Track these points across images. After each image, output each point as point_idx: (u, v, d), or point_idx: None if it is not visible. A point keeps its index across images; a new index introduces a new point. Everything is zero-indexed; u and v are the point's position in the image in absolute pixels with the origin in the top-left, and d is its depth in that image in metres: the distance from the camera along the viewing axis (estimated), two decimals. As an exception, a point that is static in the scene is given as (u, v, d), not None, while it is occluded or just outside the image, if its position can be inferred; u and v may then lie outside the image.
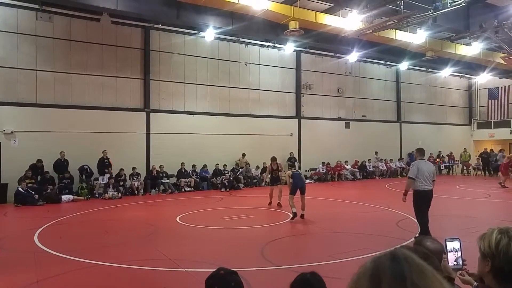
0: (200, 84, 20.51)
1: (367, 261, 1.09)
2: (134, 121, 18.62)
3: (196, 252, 7.78)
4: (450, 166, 28.60)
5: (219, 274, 2.02)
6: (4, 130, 15.93)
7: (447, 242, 2.39)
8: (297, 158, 22.61)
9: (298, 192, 11.22)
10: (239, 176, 19.93)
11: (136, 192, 17.22)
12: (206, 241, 8.85)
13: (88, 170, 16.98)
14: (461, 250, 2.37)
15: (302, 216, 11.01)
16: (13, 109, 16.16)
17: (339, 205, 14.22)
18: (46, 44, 16.93)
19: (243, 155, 20.87)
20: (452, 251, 2.36)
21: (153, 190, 17.70)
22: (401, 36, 18.57)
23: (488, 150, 27.35)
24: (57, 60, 17.14)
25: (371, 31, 16.55)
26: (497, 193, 16.82)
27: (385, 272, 1.02)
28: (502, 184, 18.34)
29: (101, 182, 16.64)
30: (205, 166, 19.61)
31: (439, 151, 28.46)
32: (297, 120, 23.52)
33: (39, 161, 15.94)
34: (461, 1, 14.39)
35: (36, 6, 16.28)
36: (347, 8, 16.08)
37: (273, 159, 13.78)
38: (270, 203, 13.56)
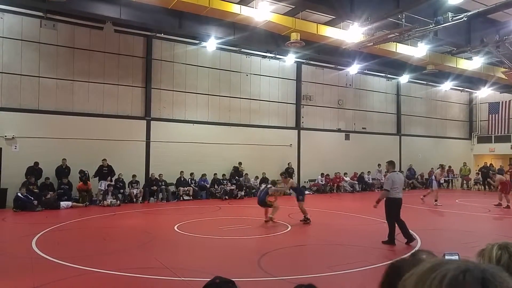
0: (201, 94, 20.60)
1: (438, 263, 0.90)
2: (134, 129, 18.65)
3: (193, 261, 7.76)
4: (450, 180, 28.55)
5: (215, 283, 2.02)
6: (6, 136, 15.97)
7: (446, 257, 2.38)
8: (294, 169, 22.54)
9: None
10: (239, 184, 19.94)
11: (134, 200, 17.20)
12: (203, 250, 8.83)
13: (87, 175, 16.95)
14: None
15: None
16: (15, 115, 16.22)
17: (337, 217, 14.20)
18: (49, 51, 17.05)
19: (240, 163, 20.85)
20: None
21: (151, 198, 17.70)
22: (402, 49, 18.64)
23: (488, 165, 27.35)
24: (60, 67, 17.24)
25: (372, 43, 16.62)
26: (497, 209, 16.76)
27: None
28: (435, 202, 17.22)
29: (100, 188, 16.62)
30: (204, 175, 19.58)
31: (440, 165, 28.31)
32: (296, 131, 23.55)
33: (36, 163, 15.89)
34: (462, 16, 14.48)
35: (40, 14, 16.41)
36: (348, 21, 16.18)
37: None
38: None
